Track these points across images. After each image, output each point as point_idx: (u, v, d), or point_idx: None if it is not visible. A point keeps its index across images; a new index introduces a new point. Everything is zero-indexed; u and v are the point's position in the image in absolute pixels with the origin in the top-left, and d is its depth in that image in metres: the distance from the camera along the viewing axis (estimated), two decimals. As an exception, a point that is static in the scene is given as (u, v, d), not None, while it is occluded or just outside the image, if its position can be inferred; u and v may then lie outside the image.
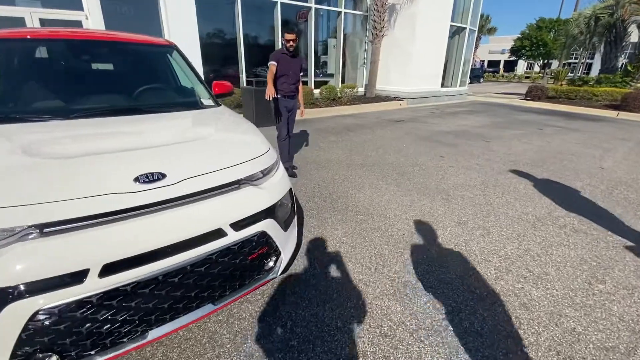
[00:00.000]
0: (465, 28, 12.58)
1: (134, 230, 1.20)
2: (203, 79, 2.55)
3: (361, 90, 11.69)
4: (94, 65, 2.17)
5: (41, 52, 1.98)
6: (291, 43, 3.51)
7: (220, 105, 2.41)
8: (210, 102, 2.36)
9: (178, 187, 1.32)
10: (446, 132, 6.89)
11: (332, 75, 11.59)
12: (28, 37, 1.94)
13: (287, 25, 3.78)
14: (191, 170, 1.39)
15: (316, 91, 9.98)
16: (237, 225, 1.46)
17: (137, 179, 1.25)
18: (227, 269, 1.46)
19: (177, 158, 1.43)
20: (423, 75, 11.42)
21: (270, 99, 3.34)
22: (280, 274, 1.77)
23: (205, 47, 8.47)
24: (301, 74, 3.89)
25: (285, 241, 1.80)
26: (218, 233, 1.39)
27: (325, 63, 11.56)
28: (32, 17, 5.66)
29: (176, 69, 2.47)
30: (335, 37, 11.03)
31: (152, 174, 1.29)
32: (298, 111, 4.02)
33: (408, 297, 1.98)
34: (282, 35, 3.76)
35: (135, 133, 1.63)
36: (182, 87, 2.40)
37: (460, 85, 13.90)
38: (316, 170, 4.20)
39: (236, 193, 1.49)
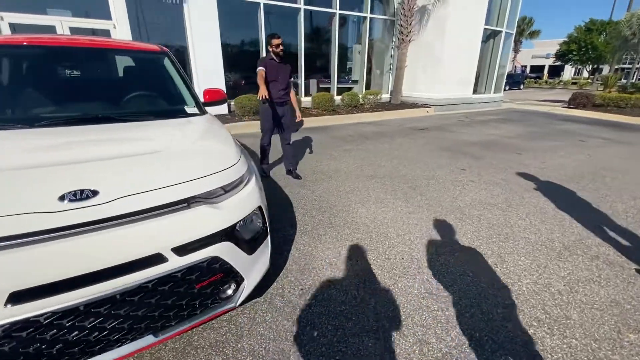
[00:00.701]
0: (500, 32, 11.82)
1: (51, 255, 1.07)
2: (192, 86, 2.46)
3: (386, 97, 11.34)
4: (77, 73, 2.15)
5: (22, 60, 1.98)
6: (280, 48, 3.58)
7: (206, 113, 2.30)
8: (194, 110, 2.25)
9: (111, 206, 1.19)
10: (473, 142, 6.40)
11: (356, 82, 11.36)
12: (8, 43, 1.95)
13: (273, 33, 3.67)
14: (130, 188, 1.25)
15: (338, 98, 9.81)
16: (182, 250, 1.30)
17: (62, 197, 1.13)
18: (168, 299, 1.31)
19: (117, 173, 1.31)
20: (453, 81, 10.85)
21: (263, 98, 3.27)
22: (241, 303, 1.59)
23: (228, 55, 8.65)
24: (291, 79, 3.86)
25: (250, 266, 1.62)
26: (156, 259, 1.24)
27: (350, 69, 11.36)
28: (63, 26, 6.05)
29: (166, 77, 2.40)
30: (360, 43, 10.82)
31: (82, 191, 1.17)
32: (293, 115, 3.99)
33: (392, 337, 1.71)
34: (268, 42, 3.66)
35: (85, 144, 1.54)
36: (167, 95, 2.33)
37: (494, 92, 13.07)
38: (322, 180, 4.00)
39: (183, 213, 1.33)
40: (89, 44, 2.19)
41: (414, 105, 10.71)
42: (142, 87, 2.25)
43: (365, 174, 4.28)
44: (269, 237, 1.80)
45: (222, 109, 7.87)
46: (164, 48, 2.58)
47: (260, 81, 3.42)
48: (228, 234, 1.45)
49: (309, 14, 9.33)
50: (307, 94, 9.85)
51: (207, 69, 7.54)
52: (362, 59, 10.86)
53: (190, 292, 1.37)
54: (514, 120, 9.80)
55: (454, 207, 3.32)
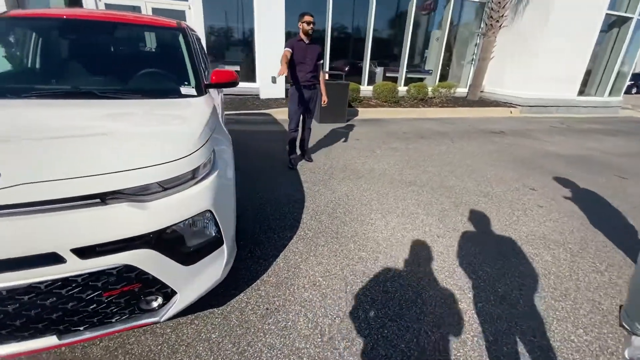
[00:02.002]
0: (630, 19, 9.28)
1: None
2: (201, 67, 2.29)
3: (462, 91, 10.01)
4: (85, 47, 2.15)
5: (34, 33, 2.02)
6: (311, 26, 3.41)
7: (204, 95, 2.11)
8: (191, 91, 2.08)
9: (6, 192, 1.05)
10: (559, 156, 5.16)
11: (430, 72, 10.25)
12: (22, 16, 2.01)
13: (306, 12, 3.42)
14: (38, 174, 1.10)
15: (404, 89, 8.98)
16: (84, 253, 1.12)
17: (-46, 176, 1.03)
18: (67, 303, 1.15)
19: (29, 157, 1.16)
20: (551, 78, 8.98)
21: (279, 75, 3.23)
22: (169, 318, 1.38)
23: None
24: (320, 62, 3.64)
25: (187, 278, 1.39)
26: (51, 258, 1.08)
27: (424, 58, 10.28)
28: (147, 7, 6.58)
29: (174, 54, 2.27)
30: (440, 29, 9.64)
31: (-23, 171, 1.05)
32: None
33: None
34: (299, 19, 3.45)
35: (34, 120, 1.45)
36: (169, 73, 2.19)
37: (610, 95, 10.52)
38: (348, 180, 3.58)
39: (94, 210, 1.14)
40: (102, 17, 2.17)
41: (495, 104, 9.24)
42: (145, 64, 2.17)
43: (402, 179, 3.71)
44: (224, 246, 1.54)
45: (279, 92, 7.84)
46: (183, 24, 2.47)
47: (283, 61, 3.29)
48: (151, 240, 1.23)
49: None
50: (370, 82, 9.22)
51: (269, 52, 7.52)
52: (440, 47, 9.68)
53: (97, 300, 1.19)
54: (628, 132, 7.71)
55: (501, 238, 2.61)
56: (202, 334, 1.59)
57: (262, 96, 7.78)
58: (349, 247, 2.36)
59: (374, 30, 8.78)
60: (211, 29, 7.68)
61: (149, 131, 1.50)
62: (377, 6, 8.55)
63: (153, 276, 1.26)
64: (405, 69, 9.53)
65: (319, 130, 5.78)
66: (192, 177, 1.41)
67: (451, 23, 9.47)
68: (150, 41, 2.36)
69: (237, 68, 8.34)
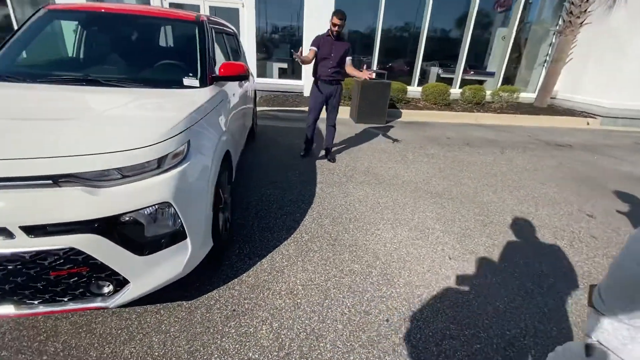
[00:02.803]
0: None
1: None
2: (211, 60, 2.29)
3: (528, 96, 8.88)
4: (104, 38, 2.29)
5: (64, 23, 2.21)
6: (337, 28, 3.35)
7: (207, 87, 2.11)
8: (194, 82, 2.09)
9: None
10: (636, 179, 4.24)
11: (491, 74, 9.29)
12: (56, 9, 2.21)
13: (338, 10, 3.44)
14: (6, 151, 1.16)
15: (456, 91, 8.27)
16: (33, 231, 1.15)
17: None
18: (17, 277, 1.20)
19: (6, 135, 1.24)
20: (647, 85, 7.49)
21: (296, 58, 3.23)
22: (119, 305, 1.38)
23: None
24: (348, 57, 3.49)
25: (142, 269, 1.38)
26: (2, 233, 1.13)
27: (486, 59, 9.34)
28: (205, 5, 7.00)
29: (187, 47, 2.32)
30: (507, 26, 8.65)
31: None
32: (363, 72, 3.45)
33: None
34: (331, 18, 3.42)
35: (18, 104, 1.55)
36: (178, 64, 2.24)
37: None
38: (366, 184, 3.36)
39: (46, 191, 1.17)
40: (126, 10, 2.31)
41: (568, 112, 8.01)
42: (157, 55, 2.24)
43: (428, 189, 3.37)
44: (187, 241, 1.50)
45: (323, 90, 7.76)
46: (202, 17, 2.50)
47: (307, 55, 3.36)
48: (101, 226, 1.23)
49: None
50: (422, 83, 8.67)
51: (316, 49, 7.49)
52: (506, 47, 8.69)
53: (46, 278, 1.23)
54: None
55: (531, 269, 2.19)
56: (163, 326, 1.57)
57: (306, 94, 7.79)
58: (342, 257, 2.19)
59: (429, 28, 8.22)
60: (262, 26, 7.91)
61: (122, 118, 1.52)
62: (435, 2, 7.97)
63: (101, 262, 1.26)
64: (462, 70, 8.76)
65: (353, 129, 5.59)
66: (158, 166, 1.38)
67: (521, 20, 8.44)
68: (168, 34, 2.45)
69: (285, 65, 8.49)
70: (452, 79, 8.97)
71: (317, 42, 3.43)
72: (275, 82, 8.23)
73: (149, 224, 1.36)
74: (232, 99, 2.65)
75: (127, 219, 1.29)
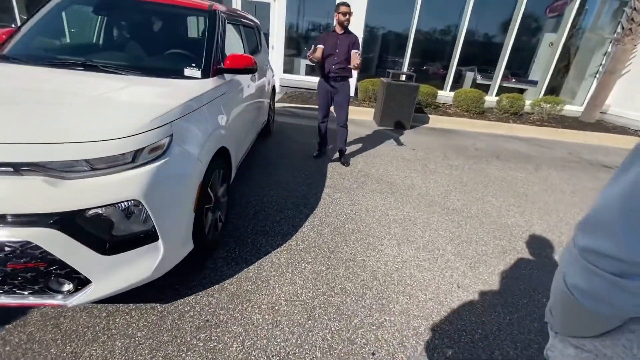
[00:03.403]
0: None
1: None
2: (217, 51, 2.19)
3: (574, 109, 8.12)
4: (114, 24, 2.25)
5: (79, 8, 2.19)
6: (347, 17, 3.18)
7: (207, 78, 2.01)
8: (195, 73, 1.99)
9: None
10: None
11: (534, 83, 8.60)
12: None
13: (343, 2, 3.18)
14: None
15: (492, 99, 7.73)
16: (-11, 221, 1.09)
17: None
18: (-28, 267, 1.14)
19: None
20: None
21: (309, 56, 3.28)
22: (78, 304, 1.30)
23: (373, 34, 8.16)
24: (354, 50, 3.23)
25: (106, 269, 1.29)
26: (-44, 219, 1.08)
27: (528, 65, 8.66)
28: (237, 0, 7.02)
29: (196, 36, 2.23)
30: (557, 32, 7.94)
31: None
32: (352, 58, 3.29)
33: None
34: (336, 9, 3.22)
35: (21, 86, 1.51)
36: (183, 54, 2.15)
37: None
38: (377, 193, 3.13)
39: (6, 179, 1.10)
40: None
41: (619, 130, 7.22)
42: (161, 43, 2.17)
43: (445, 204, 3.08)
44: (159, 242, 1.39)
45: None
46: (216, 6, 2.41)
47: (315, 54, 3.26)
48: (59, 221, 1.14)
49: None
50: (454, 87, 8.19)
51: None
52: (553, 54, 7.99)
53: (3, 270, 1.16)
54: None
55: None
56: (130, 329, 1.48)
57: (331, 92, 7.62)
58: (336, 272, 2.00)
59: (468, 30, 7.73)
60: (293, 22, 7.81)
61: (101, 106, 1.43)
62: (475, 4, 7.48)
63: (58, 258, 1.18)
64: (500, 77, 8.18)
65: (373, 132, 5.35)
66: (132, 160, 1.29)
67: (573, 26, 7.71)
68: (178, 22, 2.37)
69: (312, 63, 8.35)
70: (488, 85, 8.41)
71: (323, 39, 3.32)
72: (301, 78, 8.12)
73: (114, 222, 1.26)
74: (240, 93, 2.55)
75: (89, 215, 1.20)
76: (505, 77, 8.34)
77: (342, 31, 3.27)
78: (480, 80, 8.47)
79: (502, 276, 2.15)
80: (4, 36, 1.98)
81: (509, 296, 1.97)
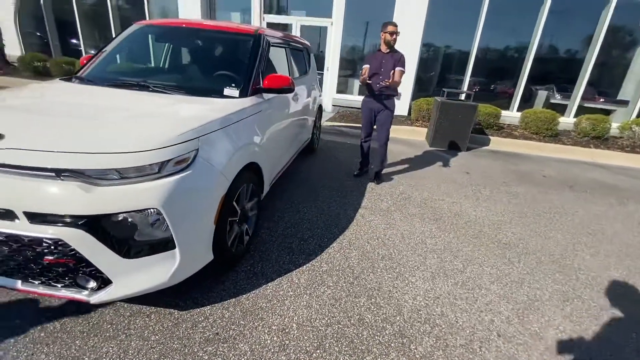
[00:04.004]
0: None
1: None
2: (258, 72, 2.30)
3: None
4: (173, 49, 2.51)
5: (142, 36, 2.51)
6: (394, 37, 3.14)
7: (244, 98, 2.11)
8: (234, 93, 2.11)
9: (3, 153, 1.27)
10: None
11: (624, 103, 7.41)
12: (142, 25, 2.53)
13: (390, 21, 3.16)
14: (22, 142, 1.29)
15: (568, 120, 6.84)
16: (33, 217, 1.24)
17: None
18: (19, 257, 1.31)
19: (41, 129, 1.40)
20: None
21: (362, 80, 3.27)
22: (100, 302, 1.41)
23: (434, 52, 7.95)
24: (397, 68, 3.16)
25: (124, 270, 1.38)
26: (8, 215, 1.25)
27: (617, 83, 7.50)
28: (297, 24, 7.44)
29: (240, 59, 2.39)
30: (654, 44, 6.79)
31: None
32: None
33: None
34: (383, 28, 3.19)
35: (79, 102, 1.76)
36: (226, 75, 2.30)
37: None
38: (417, 219, 2.91)
39: (47, 182, 1.25)
40: (196, 25, 2.51)
41: None
42: (209, 66, 2.36)
43: (496, 237, 2.73)
44: (176, 250, 1.45)
45: (402, 110, 7.35)
46: (262, 31, 2.56)
47: (363, 75, 3.25)
48: (88, 223, 1.26)
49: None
50: (523, 107, 7.44)
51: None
52: (649, 70, 6.84)
53: (40, 262, 1.31)
54: None
55: (629, 383, 1.50)
56: (146, 332, 1.55)
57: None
58: (357, 300, 1.87)
59: (539, 46, 7.04)
60: (348, 44, 7.99)
61: (138, 121, 1.58)
62: (550, 16, 6.81)
63: (83, 256, 1.29)
64: (580, 96, 7.22)
65: (423, 153, 5.07)
66: (158, 171, 1.38)
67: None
68: (227, 46, 2.57)
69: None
70: (564, 105, 7.47)
71: (368, 59, 3.35)
72: (354, 98, 8.18)
73: (134, 228, 1.35)
74: (279, 111, 2.63)
75: (113, 219, 1.31)
76: (587, 97, 7.34)
77: (388, 50, 3.23)
78: (557, 99, 7.57)
79: (558, 329, 1.78)
80: (84, 61, 2.36)
81: (565, 357, 1.61)
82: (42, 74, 8.22)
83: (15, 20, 9.52)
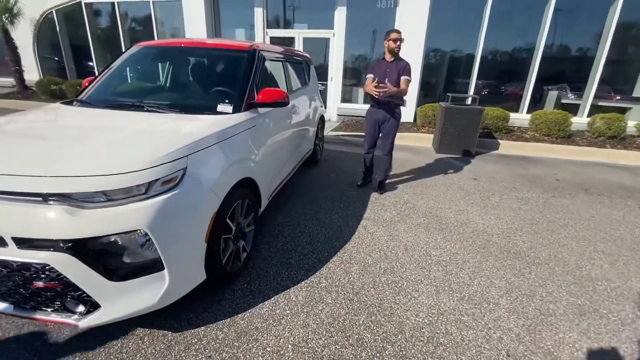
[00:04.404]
0: None
1: None
2: (252, 87, 2.31)
3: None
4: (167, 68, 2.55)
5: (139, 58, 2.57)
6: (398, 44, 3.07)
7: (237, 113, 2.11)
8: (227, 109, 2.11)
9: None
10: None
11: (639, 100, 7.12)
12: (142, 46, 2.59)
13: (393, 29, 2.98)
14: (9, 167, 1.31)
15: (581, 120, 6.61)
16: (21, 243, 1.25)
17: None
18: (8, 282, 1.31)
19: (29, 153, 1.42)
20: None
21: (366, 90, 3.21)
22: (88, 327, 1.39)
23: (437, 58, 7.91)
24: (403, 77, 3.12)
25: (113, 293, 1.36)
26: (-1, 240, 1.26)
27: (632, 80, 7.22)
28: (299, 37, 7.54)
29: (233, 75, 2.40)
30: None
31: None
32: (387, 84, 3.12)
33: None
34: (386, 37, 3.14)
35: (71, 124, 1.80)
36: (221, 91, 2.30)
37: None
38: (421, 229, 2.81)
39: (34, 207, 1.25)
40: (190, 44, 2.56)
41: None
42: (203, 83, 2.38)
43: (505, 247, 2.61)
44: (165, 272, 1.42)
45: (407, 116, 7.28)
46: (257, 46, 2.57)
47: (368, 86, 3.17)
48: (74, 247, 1.25)
49: None
50: (532, 109, 7.25)
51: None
52: (666, 65, 6.57)
53: (29, 287, 1.31)
54: None
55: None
56: (138, 355, 1.52)
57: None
58: (357, 318, 1.80)
59: (546, 45, 6.89)
60: (350, 54, 8.01)
61: (126, 141, 1.59)
62: (555, 15, 6.67)
63: (72, 282, 1.28)
64: (592, 95, 6.98)
65: (430, 160, 4.97)
66: (145, 192, 1.37)
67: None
68: (222, 63, 2.59)
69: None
70: (577, 105, 7.24)
71: (372, 68, 3.30)
72: (358, 107, 8.16)
73: (121, 250, 1.34)
74: (275, 124, 2.62)
75: (100, 242, 1.30)
76: (601, 96, 7.09)
77: (392, 58, 3.17)
78: (569, 99, 7.34)
79: (574, 347, 1.66)
80: (86, 83, 2.42)
81: (583, 378, 1.49)
82: (59, 97, 8.56)
83: (33, 46, 10.02)
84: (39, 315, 1.38)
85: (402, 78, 3.12)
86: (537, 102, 7.58)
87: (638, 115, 6.80)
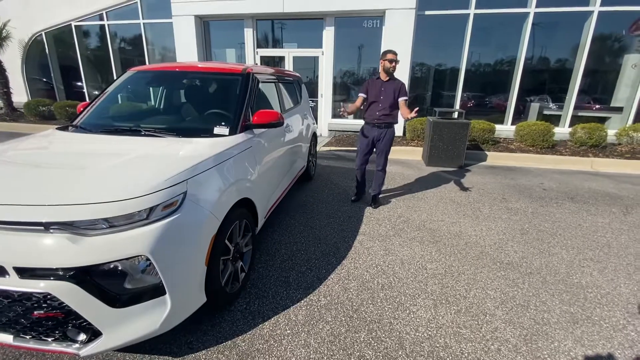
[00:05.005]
0: None
1: None
2: (247, 109, 2.37)
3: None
4: (162, 92, 2.61)
5: (133, 82, 2.62)
6: (394, 64, 3.17)
7: (234, 135, 2.16)
8: (224, 131, 2.16)
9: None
10: None
11: (618, 110, 7.45)
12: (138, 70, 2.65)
13: (389, 49, 3.21)
14: (9, 197, 1.32)
15: (563, 130, 6.87)
16: (23, 272, 1.25)
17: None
18: (9, 312, 1.30)
19: (29, 182, 1.43)
20: None
21: (341, 113, 3.29)
22: (90, 355, 1.36)
23: (422, 75, 8.17)
24: (402, 98, 3.23)
25: (114, 321, 1.35)
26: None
27: (606, 90, 7.58)
28: (289, 56, 7.72)
29: (227, 97, 2.47)
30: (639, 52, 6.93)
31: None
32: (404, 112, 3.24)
33: None
34: (382, 57, 3.26)
35: (77, 152, 1.81)
36: (217, 114, 2.37)
37: None
38: (416, 243, 2.87)
39: (36, 236, 1.26)
40: (185, 68, 2.63)
41: None
42: (199, 106, 2.44)
43: (498, 258, 2.67)
44: (166, 296, 1.43)
45: (397, 130, 7.43)
46: (251, 69, 2.65)
47: (353, 104, 3.37)
48: (76, 275, 1.26)
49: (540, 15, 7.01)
50: (517, 121, 7.51)
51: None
52: (638, 77, 6.93)
53: (29, 317, 1.30)
54: None
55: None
56: (139, 384, 1.50)
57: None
58: (357, 335, 1.81)
59: (527, 58, 7.22)
60: (339, 71, 8.22)
61: (125, 168, 1.61)
62: (534, 29, 7.03)
63: (73, 310, 1.27)
64: (572, 106, 7.29)
65: (421, 173, 5.08)
66: (146, 217, 1.39)
67: (662, 43, 6.66)
68: (216, 86, 2.66)
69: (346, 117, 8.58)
70: (559, 116, 7.54)
71: (365, 87, 3.35)
72: (350, 122, 8.30)
73: (123, 277, 1.35)
74: (270, 144, 2.67)
75: (102, 269, 1.30)
76: (581, 106, 7.41)
77: (387, 78, 3.26)
78: (551, 110, 7.64)
79: (570, 356, 1.70)
80: (81, 108, 2.45)
81: (580, 387, 1.53)
82: (47, 118, 8.49)
83: (22, 68, 9.99)
84: (40, 346, 1.36)
85: (401, 100, 3.22)
86: (520, 113, 7.87)
87: (617, 124, 7.11)
